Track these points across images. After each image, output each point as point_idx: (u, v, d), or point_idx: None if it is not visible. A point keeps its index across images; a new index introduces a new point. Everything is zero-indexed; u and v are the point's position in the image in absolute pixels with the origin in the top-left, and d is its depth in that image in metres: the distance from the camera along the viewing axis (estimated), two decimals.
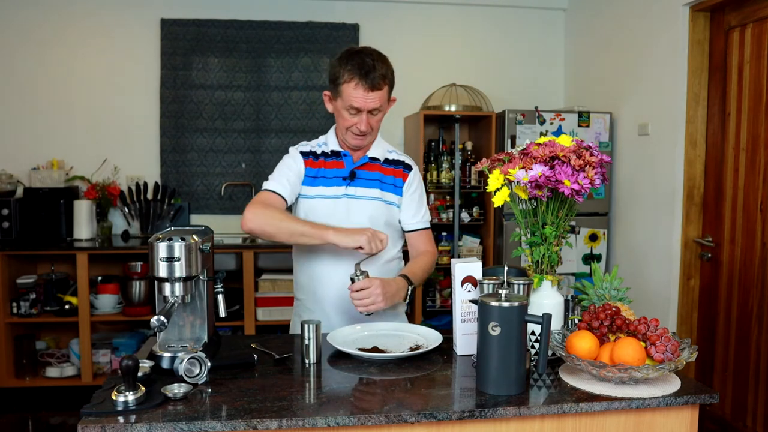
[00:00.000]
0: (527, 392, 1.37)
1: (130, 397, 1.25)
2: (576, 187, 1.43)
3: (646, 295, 3.37)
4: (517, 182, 1.47)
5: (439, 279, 4.10)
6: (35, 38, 3.98)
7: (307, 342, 1.55)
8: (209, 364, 1.41)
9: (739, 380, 2.90)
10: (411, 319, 2.03)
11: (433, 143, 4.15)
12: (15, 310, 3.62)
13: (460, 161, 4.00)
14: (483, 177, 3.85)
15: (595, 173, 1.46)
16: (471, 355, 1.59)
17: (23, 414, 3.54)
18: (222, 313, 1.64)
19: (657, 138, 3.33)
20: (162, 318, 1.40)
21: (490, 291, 1.54)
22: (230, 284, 3.69)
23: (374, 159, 1.93)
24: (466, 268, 1.62)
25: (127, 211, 4.04)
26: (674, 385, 1.39)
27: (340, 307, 1.89)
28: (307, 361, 1.55)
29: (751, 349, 2.82)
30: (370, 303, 1.69)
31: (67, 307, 3.73)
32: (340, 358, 1.60)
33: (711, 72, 3.08)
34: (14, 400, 3.68)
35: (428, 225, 2.01)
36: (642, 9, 3.46)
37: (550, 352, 1.41)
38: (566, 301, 1.65)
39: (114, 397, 1.25)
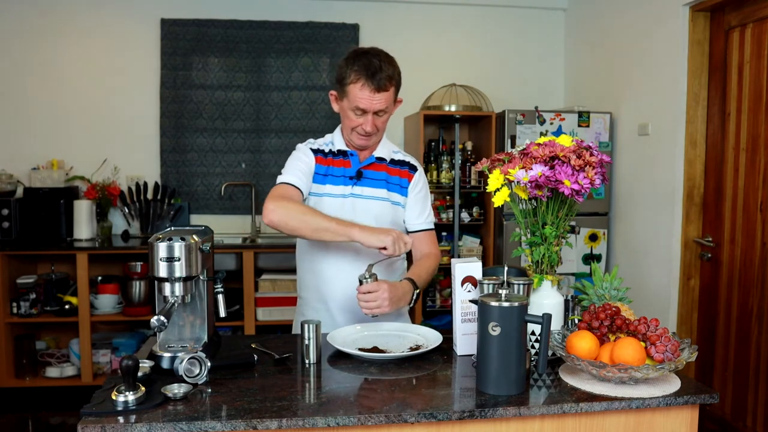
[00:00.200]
0: (527, 392, 1.37)
1: (130, 397, 1.25)
2: (576, 187, 1.43)
3: (646, 295, 3.37)
4: (517, 182, 1.47)
5: (439, 279, 4.10)
6: (35, 38, 3.98)
7: (307, 342, 1.55)
8: (209, 364, 1.41)
9: (739, 380, 2.90)
10: (411, 319, 2.03)
11: (433, 143, 4.15)
12: (15, 310, 3.62)
13: (460, 161, 4.00)
14: (483, 177, 3.86)
15: (595, 173, 1.46)
16: (471, 355, 1.59)
17: (23, 414, 3.54)
18: (222, 313, 1.64)
19: (657, 138, 3.33)
20: (162, 318, 1.40)
21: (490, 291, 1.54)
22: (230, 284, 3.69)
23: (381, 159, 1.93)
24: (466, 268, 1.62)
25: (127, 211, 4.04)
26: (674, 385, 1.39)
27: (344, 306, 1.89)
28: (307, 361, 1.55)
29: (751, 349, 2.82)
30: (376, 307, 1.68)
31: (67, 307, 3.73)
32: (340, 358, 1.60)
33: (711, 72, 3.08)
34: (14, 400, 3.68)
35: (432, 226, 2.00)
36: (642, 9, 3.46)
37: (550, 352, 1.41)
38: (566, 301, 1.65)
39: (114, 397, 1.25)
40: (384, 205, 1.90)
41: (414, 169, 1.97)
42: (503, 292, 1.36)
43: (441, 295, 4.13)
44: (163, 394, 1.30)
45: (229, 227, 4.19)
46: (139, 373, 1.30)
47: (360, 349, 1.60)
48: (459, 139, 3.97)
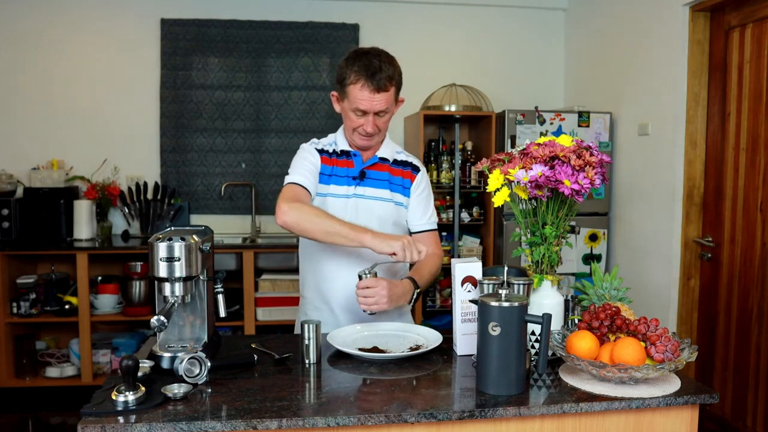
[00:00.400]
0: (527, 392, 1.37)
1: (130, 397, 1.25)
2: (576, 187, 1.43)
3: (646, 295, 3.37)
4: (517, 182, 1.47)
5: (439, 279, 4.10)
6: (35, 38, 3.98)
7: (307, 342, 1.55)
8: (209, 364, 1.41)
9: (739, 380, 2.90)
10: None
11: (433, 143, 4.15)
12: (15, 310, 3.62)
13: (460, 161, 4.00)
14: (483, 177, 3.86)
15: (595, 173, 1.46)
16: (471, 355, 1.59)
17: (23, 414, 3.54)
18: (222, 313, 1.64)
19: (657, 138, 3.33)
20: (162, 318, 1.40)
21: (490, 291, 1.54)
22: (230, 284, 3.69)
23: (384, 159, 1.93)
24: (466, 268, 1.62)
25: (127, 211, 4.04)
26: (674, 385, 1.39)
27: (347, 306, 1.89)
28: (307, 361, 1.55)
29: (751, 349, 2.82)
30: (374, 303, 1.68)
31: (67, 307, 3.73)
32: (340, 358, 1.60)
33: (711, 72, 3.08)
34: (14, 400, 3.68)
35: (435, 227, 2.00)
36: (642, 9, 3.46)
37: (550, 352, 1.41)
38: (566, 301, 1.65)
39: (114, 397, 1.25)
40: (387, 205, 1.90)
41: (417, 169, 1.97)
42: (503, 292, 1.36)
43: (441, 295, 4.13)
44: (163, 394, 1.30)
45: (229, 227, 4.19)
46: (139, 373, 1.30)
47: (360, 349, 1.60)
48: (459, 139, 3.97)
